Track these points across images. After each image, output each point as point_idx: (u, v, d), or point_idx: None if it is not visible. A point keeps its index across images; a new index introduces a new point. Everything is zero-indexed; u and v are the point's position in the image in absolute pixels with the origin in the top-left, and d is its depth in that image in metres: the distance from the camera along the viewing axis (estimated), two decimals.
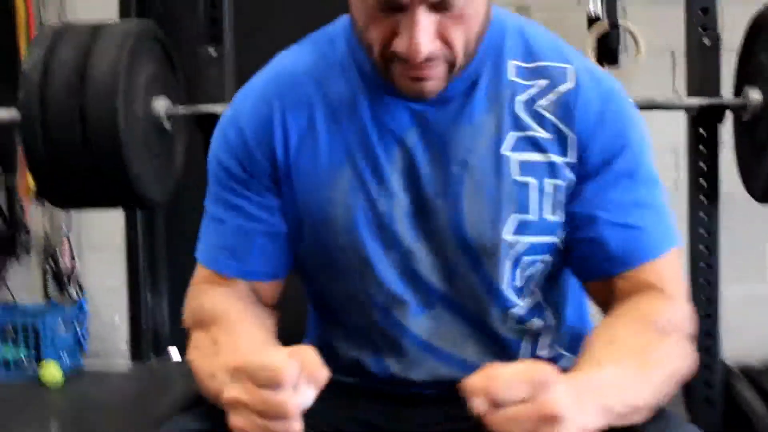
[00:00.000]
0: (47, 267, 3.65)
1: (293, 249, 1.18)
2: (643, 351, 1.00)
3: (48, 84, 1.81)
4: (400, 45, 0.98)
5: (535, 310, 1.16)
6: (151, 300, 3.73)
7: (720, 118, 1.89)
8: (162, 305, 3.74)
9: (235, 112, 1.17)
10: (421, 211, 1.10)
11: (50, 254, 3.64)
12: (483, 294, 1.12)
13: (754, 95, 1.82)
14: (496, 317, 1.14)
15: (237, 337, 1.06)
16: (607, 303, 1.12)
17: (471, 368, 1.09)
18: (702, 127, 1.90)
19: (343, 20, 1.16)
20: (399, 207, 1.10)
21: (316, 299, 1.27)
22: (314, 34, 1.20)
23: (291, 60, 1.18)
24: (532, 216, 1.09)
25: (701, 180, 1.91)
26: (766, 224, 3.21)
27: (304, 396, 0.86)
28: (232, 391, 0.87)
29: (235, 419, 0.86)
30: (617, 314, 1.08)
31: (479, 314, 1.14)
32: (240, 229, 1.15)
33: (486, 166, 1.08)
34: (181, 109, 2.02)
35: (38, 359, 3.41)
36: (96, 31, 1.89)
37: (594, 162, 1.09)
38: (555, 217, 1.10)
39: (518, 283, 1.12)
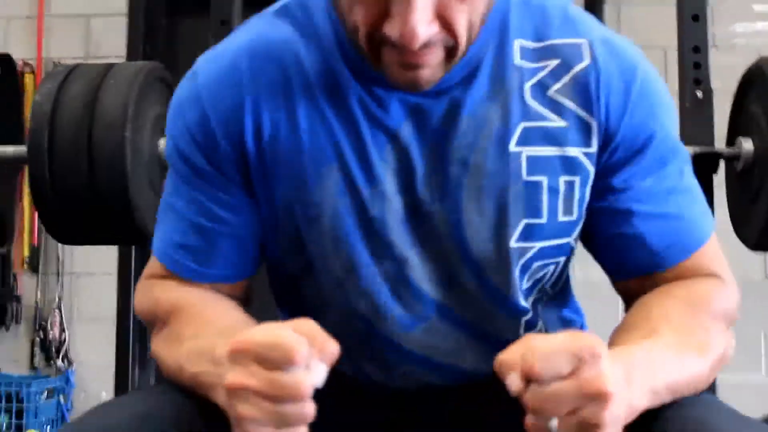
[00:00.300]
0: (36, 337, 3.62)
1: (264, 251, 1.06)
2: (696, 333, 0.91)
3: (57, 116, 1.85)
4: (391, 28, 0.83)
5: (540, 309, 1.08)
6: (139, 375, 3.67)
7: (715, 167, 1.93)
8: (150, 381, 3.67)
9: (198, 87, 0.99)
10: (417, 216, 0.98)
11: (40, 325, 3.62)
12: (488, 303, 1.02)
13: (747, 145, 1.87)
14: (503, 325, 1.04)
15: (214, 320, 0.94)
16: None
17: (469, 376, 1.06)
18: (697, 176, 1.93)
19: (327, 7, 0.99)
20: (392, 211, 0.97)
21: (288, 307, 1.14)
22: (290, 3, 1.02)
23: (265, 31, 1.00)
24: (543, 219, 0.97)
25: None
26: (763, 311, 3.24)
27: (317, 373, 0.75)
28: (234, 377, 0.75)
29: (242, 408, 0.74)
30: (670, 292, 0.97)
31: (481, 323, 1.03)
32: (201, 229, 1.00)
33: (490, 166, 0.95)
34: None
35: (21, 429, 3.34)
36: (107, 69, 1.95)
37: (623, 151, 0.98)
38: (568, 217, 0.98)
39: (525, 285, 1.02)
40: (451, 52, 0.88)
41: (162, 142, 2.01)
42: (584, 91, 0.96)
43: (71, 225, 1.92)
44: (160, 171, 2.01)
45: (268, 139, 0.97)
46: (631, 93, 0.97)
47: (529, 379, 0.73)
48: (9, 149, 2.02)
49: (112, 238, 2.02)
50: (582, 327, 1.18)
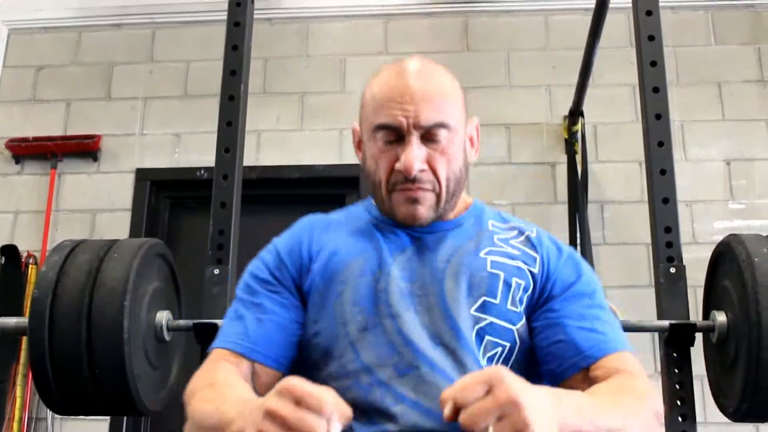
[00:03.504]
0: None
1: (301, 337, 1.40)
2: (622, 403, 1.19)
3: (61, 284, 1.94)
4: (399, 164, 1.36)
5: None
6: None
7: (691, 338, 2.00)
8: None
9: (274, 242, 1.51)
10: (416, 293, 1.37)
11: None
12: (464, 356, 1.31)
13: (720, 318, 1.96)
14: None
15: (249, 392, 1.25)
16: None
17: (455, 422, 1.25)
18: (674, 349, 2.00)
19: (362, 201, 1.55)
20: (395, 286, 1.36)
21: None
22: (348, 205, 1.60)
23: (321, 214, 1.55)
24: (496, 300, 1.36)
25: (677, 401, 1.98)
26: None
27: (333, 429, 0.98)
28: (273, 404, 0.98)
29: (265, 426, 0.98)
30: (609, 382, 1.27)
31: (459, 370, 1.30)
32: (257, 320, 1.40)
33: (465, 262, 1.39)
34: (182, 323, 2.13)
35: None
36: (110, 244, 2.05)
37: (557, 286, 1.40)
38: (514, 308, 1.36)
39: (482, 361, 1.32)
40: (437, 197, 1.39)
41: (159, 315, 2.09)
42: (531, 244, 1.46)
43: (67, 392, 1.95)
44: (156, 342, 2.08)
45: (317, 251, 1.44)
46: (563, 255, 1.44)
47: (460, 406, 0.98)
48: (11, 320, 2.09)
49: (106, 407, 2.04)
50: None
